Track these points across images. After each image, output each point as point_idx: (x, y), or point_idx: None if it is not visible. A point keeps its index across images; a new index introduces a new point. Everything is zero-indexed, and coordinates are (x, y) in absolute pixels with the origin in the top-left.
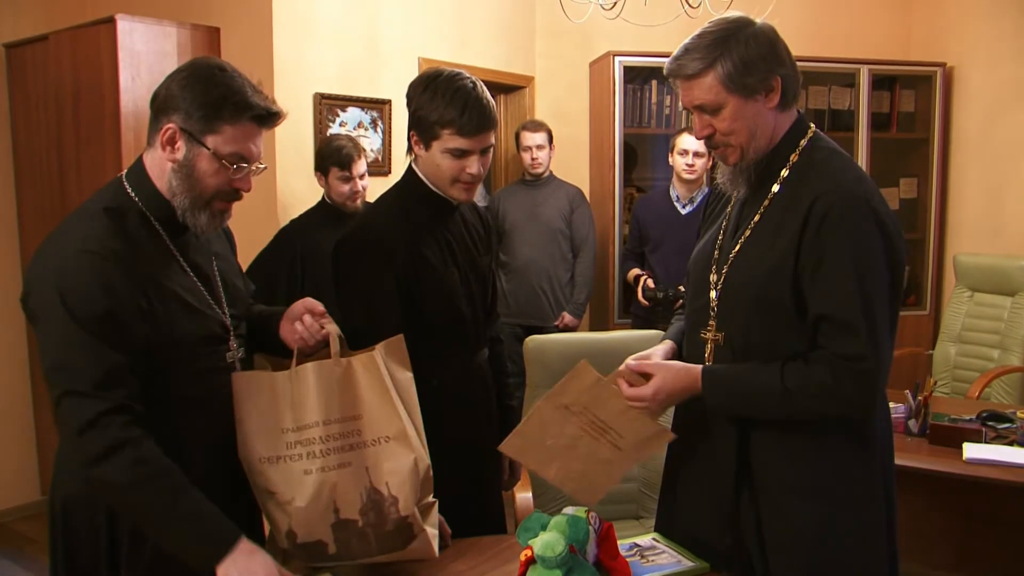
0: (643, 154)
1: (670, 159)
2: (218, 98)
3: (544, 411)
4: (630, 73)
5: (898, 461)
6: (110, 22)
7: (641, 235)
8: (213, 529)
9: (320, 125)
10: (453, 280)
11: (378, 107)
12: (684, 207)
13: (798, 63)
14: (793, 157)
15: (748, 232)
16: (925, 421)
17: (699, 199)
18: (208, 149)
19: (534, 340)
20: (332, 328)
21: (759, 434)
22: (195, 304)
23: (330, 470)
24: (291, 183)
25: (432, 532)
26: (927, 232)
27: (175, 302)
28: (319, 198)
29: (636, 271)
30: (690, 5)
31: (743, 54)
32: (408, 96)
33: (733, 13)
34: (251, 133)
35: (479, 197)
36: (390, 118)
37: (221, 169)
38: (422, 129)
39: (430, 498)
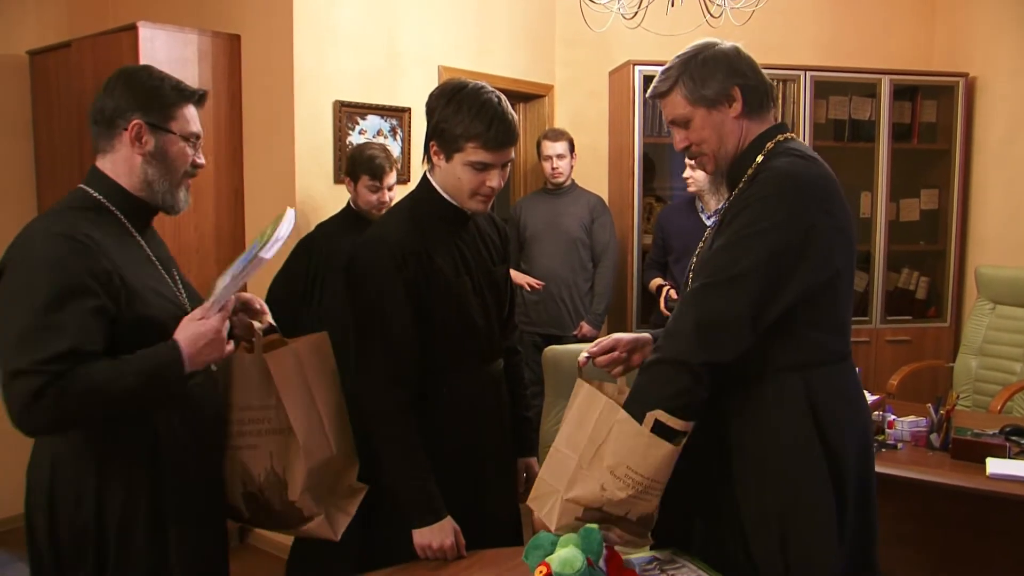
0: (662, 163)
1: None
2: (165, 90)
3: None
4: (650, 82)
5: (922, 476)
6: (132, 29)
7: (665, 244)
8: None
9: (340, 132)
10: (466, 289)
11: (398, 115)
12: (710, 218)
13: (818, 72)
14: (759, 158)
15: (711, 233)
16: (947, 435)
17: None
18: (174, 133)
19: (551, 351)
20: (257, 325)
21: (738, 420)
22: (163, 291)
23: (241, 449)
24: (310, 190)
25: (339, 518)
26: (948, 244)
27: (146, 288)
28: (339, 204)
29: (659, 281)
30: (711, 14)
31: (700, 71)
32: (429, 107)
33: (704, 39)
34: (194, 114)
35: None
36: (410, 126)
37: (186, 148)
38: (444, 141)
39: (352, 484)
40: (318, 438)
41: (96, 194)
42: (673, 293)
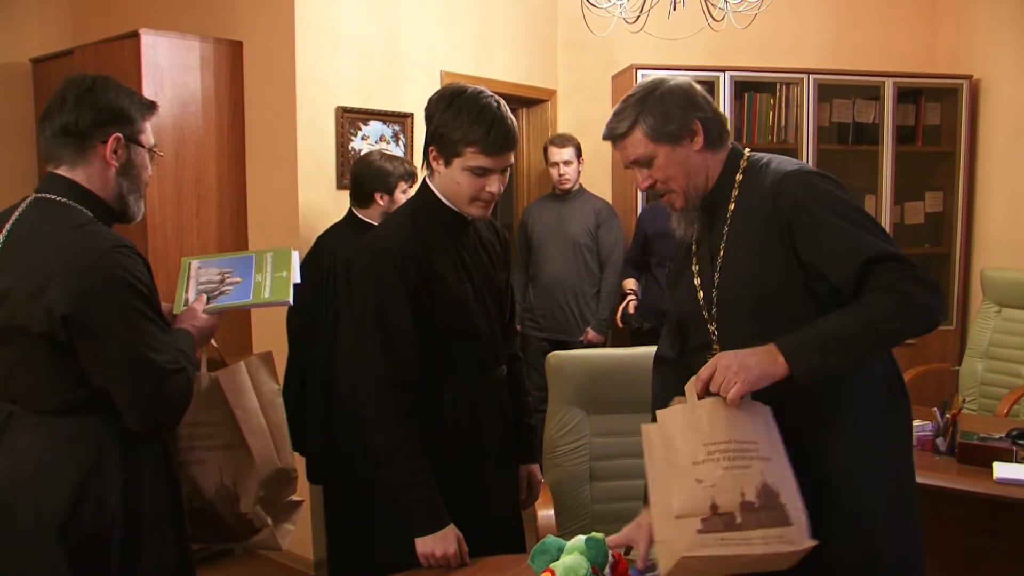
0: None
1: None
2: (134, 104)
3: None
4: None
5: (927, 480)
6: (134, 37)
7: (646, 244)
8: None
9: (342, 139)
10: (467, 295)
11: (400, 120)
12: None
13: (821, 75)
14: (738, 177)
15: (721, 254)
16: (953, 439)
17: None
18: (144, 147)
19: (555, 356)
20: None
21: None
22: None
23: (190, 464)
24: (312, 197)
25: (287, 528)
26: (953, 246)
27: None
28: (341, 211)
29: (632, 285)
30: (714, 18)
31: (661, 107)
32: (428, 112)
33: (652, 78)
34: (151, 125)
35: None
36: (412, 131)
37: (147, 160)
38: (444, 146)
39: (292, 497)
40: (268, 452)
41: (85, 210)
42: (633, 307)
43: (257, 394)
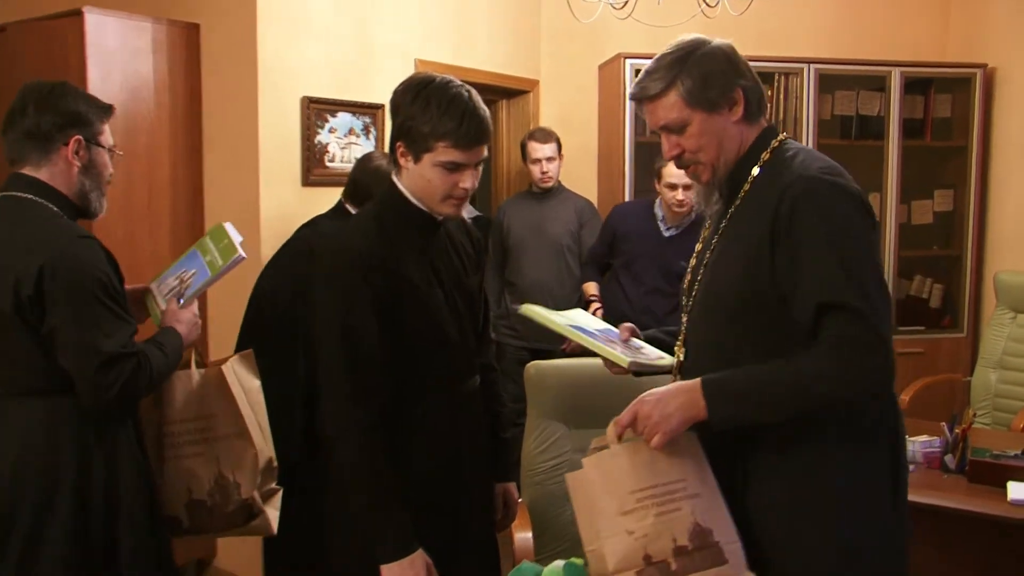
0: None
1: (656, 186)
2: (91, 108)
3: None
4: None
5: (935, 501)
6: (77, 15)
7: (613, 245)
8: None
9: (308, 131)
10: (438, 301)
11: (371, 112)
12: (668, 229)
13: (822, 64)
14: (765, 155)
15: (716, 240)
16: (964, 456)
17: (686, 224)
18: (104, 147)
19: (535, 367)
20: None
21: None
22: None
23: (187, 457)
24: (276, 193)
25: (272, 513)
26: (964, 248)
27: None
28: (307, 208)
29: (594, 290)
30: (707, 4)
31: (702, 69)
32: (394, 105)
33: (691, 35)
34: (109, 127)
35: (467, 212)
36: (383, 124)
37: (108, 159)
38: (412, 141)
39: (273, 485)
40: (262, 441)
41: (51, 205)
42: (600, 314)
43: (246, 389)
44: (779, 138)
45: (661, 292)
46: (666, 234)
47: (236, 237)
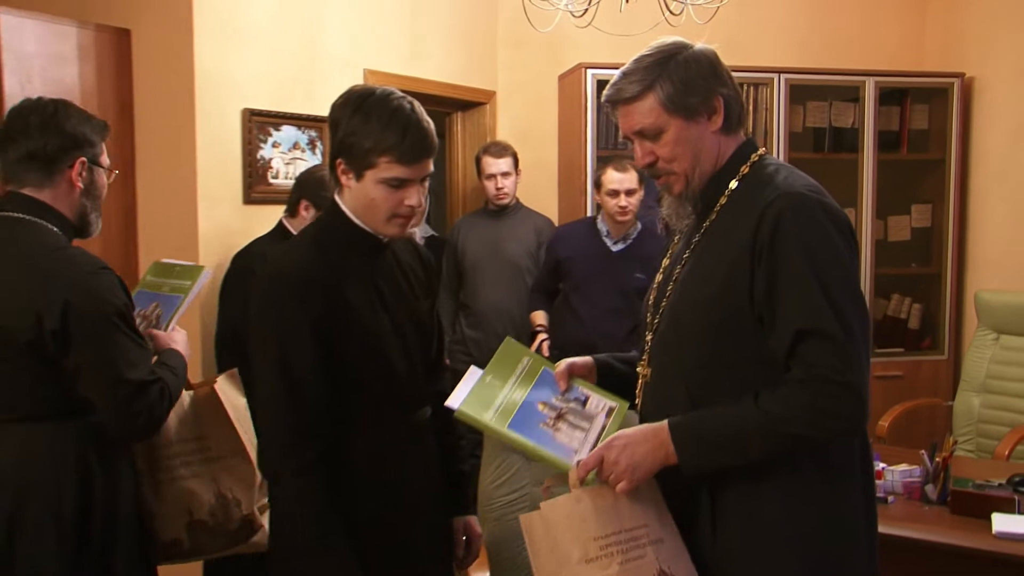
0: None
1: (596, 197)
2: (93, 128)
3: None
4: (604, 87)
5: (915, 534)
6: None
7: (559, 270)
8: None
9: (249, 146)
10: (383, 328)
11: (317, 126)
12: (615, 243)
13: (793, 74)
14: (744, 169)
15: (688, 255)
16: (945, 487)
17: (633, 235)
18: (103, 168)
19: None
20: None
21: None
22: None
23: (186, 479)
24: (215, 212)
25: (267, 528)
26: (944, 266)
27: None
28: (249, 228)
29: (541, 319)
30: (671, 11)
31: (683, 74)
32: (333, 119)
33: (671, 38)
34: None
35: (423, 229)
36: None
37: (105, 179)
38: (353, 157)
39: (265, 500)
40: (255, 459)
41: (53, 227)
42: (546, 347)
43: (235, 409)
44: (759, 152)
45: (617, 312)
46: (614, 249)
47: (185, 261)
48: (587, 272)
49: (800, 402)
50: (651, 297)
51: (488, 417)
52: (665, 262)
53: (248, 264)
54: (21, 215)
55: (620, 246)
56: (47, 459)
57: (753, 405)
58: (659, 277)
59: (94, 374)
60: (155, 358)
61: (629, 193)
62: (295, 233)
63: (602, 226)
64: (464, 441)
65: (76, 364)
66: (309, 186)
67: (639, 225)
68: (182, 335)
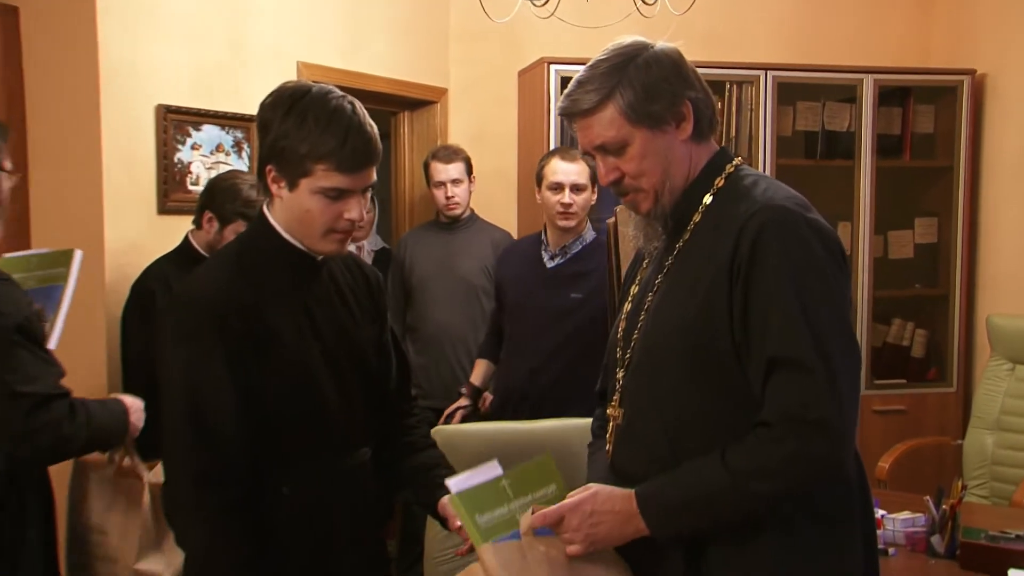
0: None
1: (538, 196)
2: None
3: None
4: (568, 85)
5: None
6: None
7: (499, 296)
8: None
9: (165, 147)
10: (312, 358)
11: (244, 126)
12: (552, 259)
13: (782, 71)
14: (719, 181)
15: (661, 280)
16: (954, 538)
17: (576, 250)
18: (5, 171)
19: (441, 432)
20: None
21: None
22: None
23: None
24: (125, 222)
25: None
26: (952, 287)
27: None
28: (164, 241)
29: (475, 375)
30: (644, 2)
31: (644, 79)
32: (264, 120)
33: (629, 38)
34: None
35: (371, 242)
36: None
37: (8, 183)
38: (286, 163)
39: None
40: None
41: None
42: (460, 415)
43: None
44: (734, 163)
45: (554, 348)
46: (549, 265)
47: (39, 250)
48: (518, 296)
49: (769, 453)
50: (620, 329)
51: (479, 520)
52: (634, 289)
53: (148, 287)
54: None
55: (558, 260)
56: None
57: (720, 463)
58: (628, 307)
59: None
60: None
61: (576, 189)
62: (199, 249)
63: (544, 236)
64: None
65: None
66: (214, 195)
67: (588, 236)
68: (138, 401)
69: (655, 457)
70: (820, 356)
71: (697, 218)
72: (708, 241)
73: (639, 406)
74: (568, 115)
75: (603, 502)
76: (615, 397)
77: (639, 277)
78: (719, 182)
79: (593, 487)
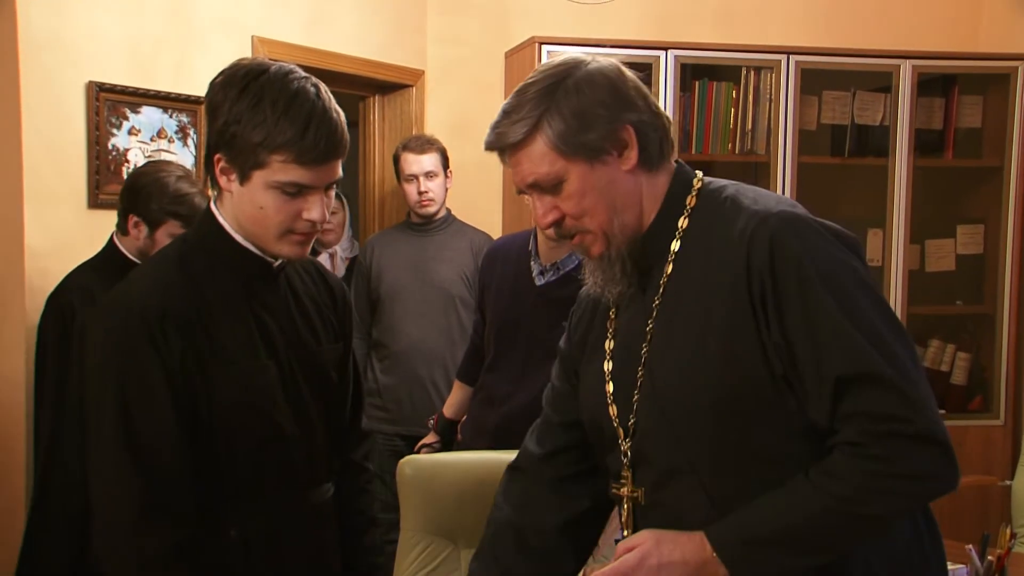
0: None
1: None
2: None
3: None
4: None
5: None
6: None
7: (482, 305)
8: None
9: (97, 132)
10: (267, 379)
11: (190, 108)
12: (542, 274)
13: (807, 56)
14: (690, 200)
15: (652, 327)
16: None
17: (569, 267)
18: None
19: (410, 463)
20: None
21: None
22: None
23: None
24: (50, 218)
25: None
26: (999, 304)
27: None
28: (95, 240)
29: (449, 407)
30: None
31: (574, 105)
32: (213, 102)
33: (562, 56)
34: None
35: (344, 247)
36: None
37: None
38: (237, 153)
39: None
40: None
41: None
42: (425, 452)
43: None
44: (698, 177)
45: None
46: (539, 282)
47: None
48: (501, 312)
49: (865, 468)
50: (608, 394)
51: None
52: (609, 344)
53: (68, 300)
54: None
55: (548, 278)
56: None
57: (809, 487)
58: (608, 366)
59: None
60: None
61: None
62: (128, 255)
63: (532, 243)
64: (380, 526)
65: None
66: (136, 194)
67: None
68: None
69: (696, 526)
70: (889, 362)
71: (676, 246)
72: (704, 270)
73: (663, 479)
74: (494, 150)
75: (669, 552)
76: (625, 476)
77: (611, 328)
78: (690, 201)
79: (651, 534)
